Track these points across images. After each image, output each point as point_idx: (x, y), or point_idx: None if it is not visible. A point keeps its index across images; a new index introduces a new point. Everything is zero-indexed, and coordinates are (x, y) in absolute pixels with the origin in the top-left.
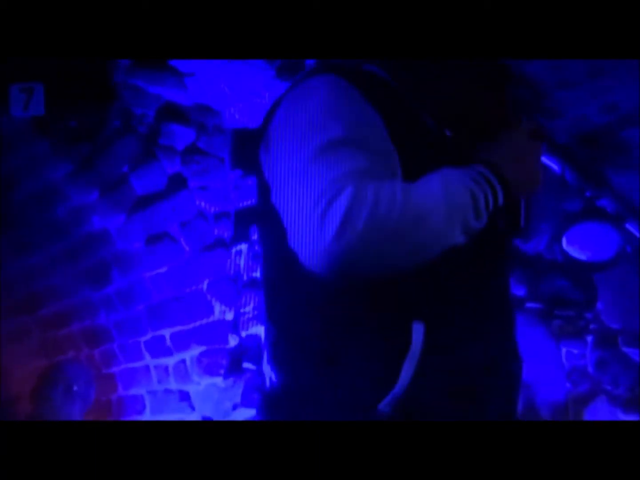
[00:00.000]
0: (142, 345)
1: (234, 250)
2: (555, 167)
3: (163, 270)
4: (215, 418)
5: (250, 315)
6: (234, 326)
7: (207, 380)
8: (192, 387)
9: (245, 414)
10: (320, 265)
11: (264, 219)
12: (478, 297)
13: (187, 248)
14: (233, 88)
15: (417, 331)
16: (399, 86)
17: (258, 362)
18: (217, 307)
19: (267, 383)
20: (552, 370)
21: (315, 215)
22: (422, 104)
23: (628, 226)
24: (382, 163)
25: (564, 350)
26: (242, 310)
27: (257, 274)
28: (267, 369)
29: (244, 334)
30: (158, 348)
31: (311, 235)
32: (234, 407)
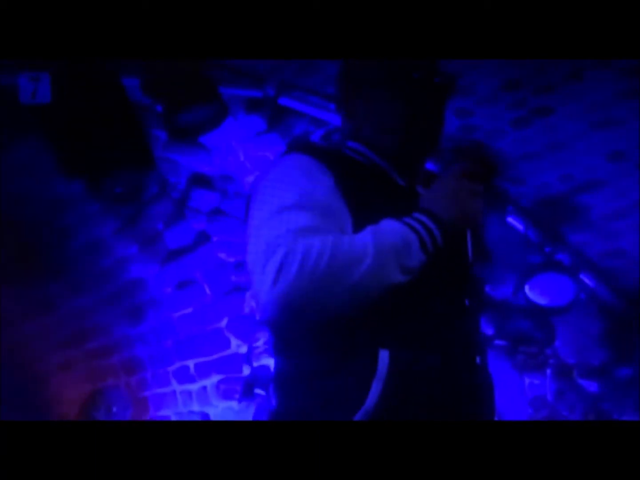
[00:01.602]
0: (170, 374)
1: (248, 294)
2: (520, 226)
3: (189, 310)
4: None
5: (261, 349)
6: (247, 358)
7: (224, 404)
8: (211, 410)
9: None
10: (264, 313)
11: None
12: (442, 326)
13: (209, 292)
14: (250, 160)
15: (383, 358)
16: (374, 162)
17: (267, 388)
18: (234, 342)
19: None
20: (517, 398)
21: (258, 268)
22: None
23: (582, 276)
24: (329, 222)
25: (526, 381)
26: (254, 345)
27: None
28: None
29: (255, 364)
30: (183, 376)
31: (257, 285)
32: None
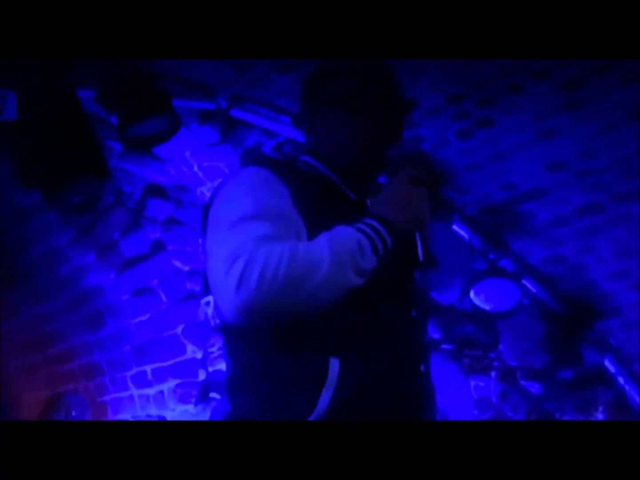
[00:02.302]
0: (128, 379)
1: (203, 301)
2: (464, 234)
3: (145, 317)
4: None
5: (216, 354)
6: (203, 363)
7: (181, 407)
8: (168, 413)
9: None
10: (228, 317)
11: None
12: (391, 334)
13: (165, 299)
14: (203, 170)
15: (334, 365)
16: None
17: (222, 392)
18: (189, 348)
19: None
20: (463, 400)
21: (221, 275)
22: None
23: (525, 282)
24: (288, 230)
25: (472, 383)
26: (209, 350)
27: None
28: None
29: (210, 369)
30: (141, 381)
31: (220, 292)
32: None
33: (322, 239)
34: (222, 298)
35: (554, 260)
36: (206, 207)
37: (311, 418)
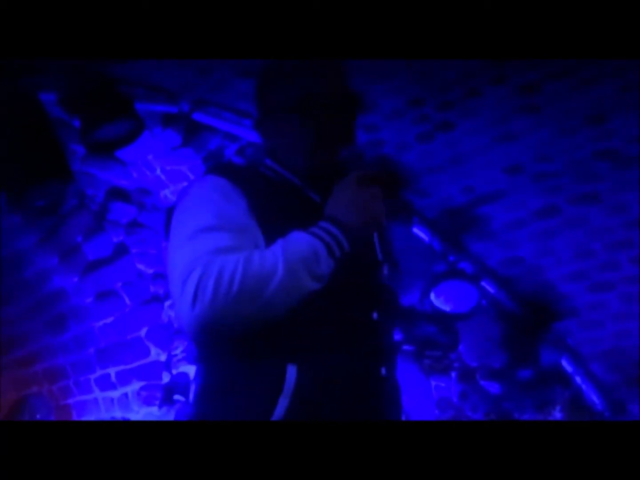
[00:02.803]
0: (92, 382)
1: (166, 304)
2: (425, 237)
3: (109, 320)
4: None
5: (180, 357)
6: (167, 365)
7: (145, 410)
8: (133, 415)
9: None
10: (186, 331)
11: None
12: (349, 339)
13: (128, 302)
14: (166, 174)
15: (291, 371)
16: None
17: (186, 394)
18: (153, 350)
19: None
20: (424, 400)
21: (178, 290)
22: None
23: (483, 284)
24: (244, 240)
25: (433, 383)
26: (173, 353)
27: None
28: None
29: (174, 371)
30: (105, 383)
31: (178, 306)
32: None
33: (277, 246)
34: (180, 312)
35: (512, 262)
36: (169, 214)
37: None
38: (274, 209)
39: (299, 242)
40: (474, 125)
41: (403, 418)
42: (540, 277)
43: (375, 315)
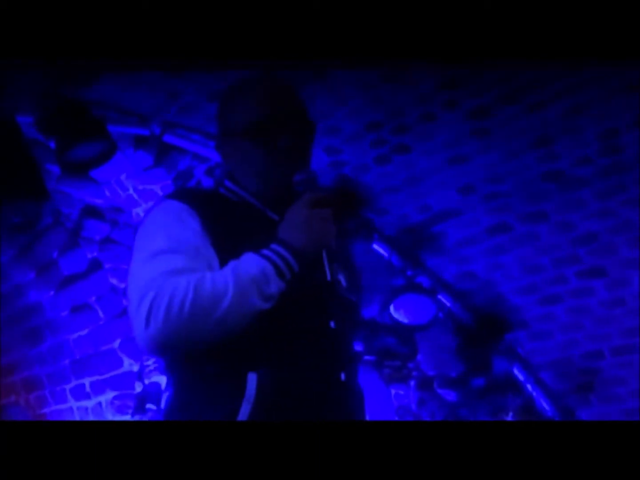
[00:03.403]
0: (68, 392)
1: None
2: (384, 252)
3: (84, 332)
4: None
5: (152, 367)
6: (139, 376)
7: (118, 418)
8: None
9: None
10: (142, 347)
11: None
12: (306, 347)
13: (102, 315)
14: (138, 193)
15: (251, 380)
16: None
17: (158, 403)
18: (126, 361)
19: None
20: (384, 407)
21: (133, 312)
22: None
23: (440, 297)
24: (198, 262)
25: (392, 392)
26: (145, 364)
27: None
28: None
29: (147, 381)
30: (80, 393)
31: (134, 327)
32: None
33: (228, 268)
34: (135, 332)
35: (466, 276)
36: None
37: None
38: (232, 230)
39: (250, 263)
40: (428, 148)
41: None
42: (492, 291)
43: (332, 324)
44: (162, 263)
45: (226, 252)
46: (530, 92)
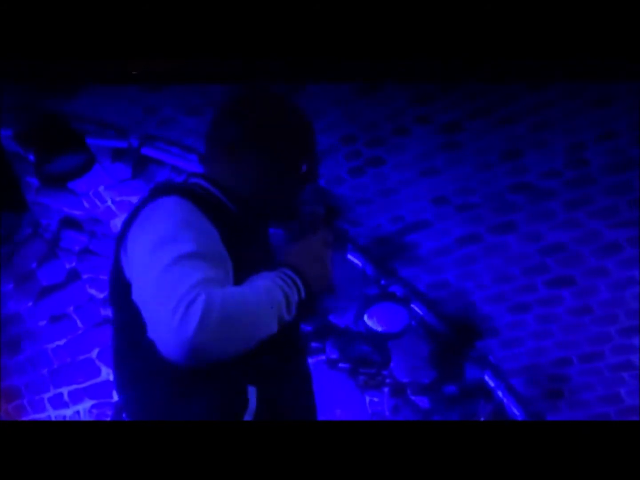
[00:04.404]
0: (46, 401)
1: None
2: (358, 262)
3: (62, 342)
4: None
5: None
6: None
7: None
8: None
9: None
10: (179, 355)
11: (121, 310)
12: (292, 362)
13: (80, 325)
14: (116, 204)
15: (252, 393)
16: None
17: None
18: (104, 370)
19: None
20: (359, 414)
21: (174, 315)
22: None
23: (413, 306)
24: (222, 271)
25: (367, 399)
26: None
27: None
28: None
29: None
30: (58, 402)
31: (170, 331)
32: None
33: (259, 288)
34: (164, 336)
35: (439, 285)
36: (121, 236)
37: None
38: (233, 237)
39: (273, 286)
40: (401, 161)
41: None
42: (464, 299)
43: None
44: (194, 269)
45: (234, 259)
46: (499, 107)
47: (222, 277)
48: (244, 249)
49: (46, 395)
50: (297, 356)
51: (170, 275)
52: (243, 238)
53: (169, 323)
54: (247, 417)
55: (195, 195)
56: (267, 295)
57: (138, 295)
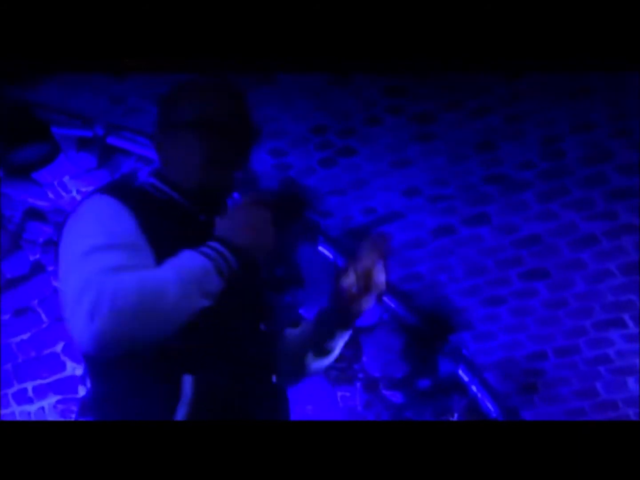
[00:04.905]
0: (10, 396)
1: None
2: (329, 254)
3: (26, 336)
4: None
5: None
6: (82, 380)
7: None
8: None
9: None
10: (88, 346)
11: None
12: (240, 349)
13: (45, 319)
14: (82, 195)
15: (187, 382)
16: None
17: None
18: (69, 365)
19: None
20: (330, 409)
21: (75, 305)
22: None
23: (385, 299)
24: (137, 259)
25: (339, 394)
26: None
27: None
28: None
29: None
30: (22, 398)
31: (77, 324)
32: None
33: (169, 266)
34: (76, 332)
35: (411, 278)
36: (59, 233)
37: None
38: (158, 226)
39: (190, 261)
40: (374, 151)
41: None
42: (437, 292)
43: (262, 325)
44: (102, 259)
45: (160, 251)
46: (473, 98)
47: (138, 265)
48: (180, 241)
49: (10, 391)
50: (245, 342)
51: (77, 269)
52: (182, 230)
53: (75, 316)
54: (182, 408)
55: (122, 189)
56: (177, 272)
57: (60, 285)
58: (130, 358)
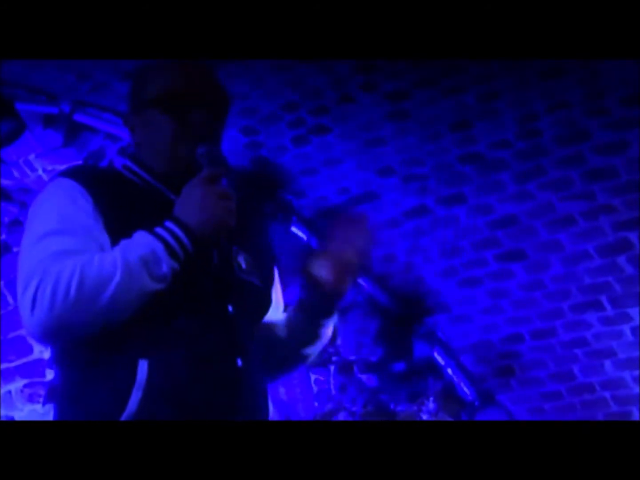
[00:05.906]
0: None
1: None
2: (303, 235)
3: None
4: None
5: None
6: (50, 363)
7: (29, 407)
8: (16, 413)
9: None
10: (29, 332)
11: None
12: (200, 332)
13: (11, 301)
14: (48, 173)
15: (142, 367)
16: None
17: None
18: (36, 348)
19: None
20: (304, 393)
21: (23, 291)
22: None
23: (359, 280)
24: (88, 244)
25: (312, 377)
26: None
27: None
28: None
29: None
30: None
31: (21, 312)
32: None
33: (117, 248)
34: (23, 318)
35: (386, 259)
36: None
37: (122, 419)
38: (128, 212)
39: (139, 242)
40: (347, 130)
41: (283, 410)
42: (412, 274)
43: (230, 308)
44: (50, 245)
45: (121, 234)
46: (447, 76)
47: (90, 250)
48: (154, 224)
49: None
50: (209, 325)
51: (27, 255)
52: (155, 212)
53: (21, 304)
54: (136, 392)
55: (85, 174)
56: (122, 255)
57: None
58: (83, 342)
